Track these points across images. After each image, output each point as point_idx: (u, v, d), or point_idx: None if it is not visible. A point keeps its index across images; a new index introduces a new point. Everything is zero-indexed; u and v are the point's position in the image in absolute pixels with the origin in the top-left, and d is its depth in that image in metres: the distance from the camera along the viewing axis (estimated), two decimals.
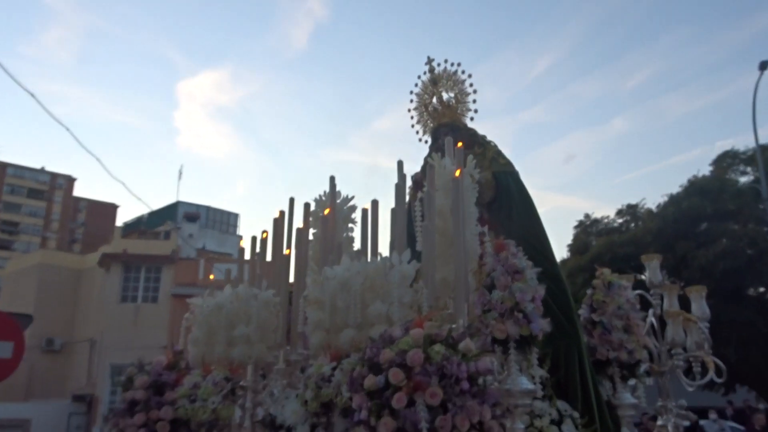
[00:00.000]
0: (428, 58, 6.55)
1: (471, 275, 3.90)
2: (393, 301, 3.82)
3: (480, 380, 3.07)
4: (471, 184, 4.45)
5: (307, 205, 5.31)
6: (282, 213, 5.45)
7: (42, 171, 79.08)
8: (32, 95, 8.57)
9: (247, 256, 5.68)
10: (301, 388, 3.88)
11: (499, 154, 6.13)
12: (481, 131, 6.38)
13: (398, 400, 2.95)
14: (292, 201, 5.41)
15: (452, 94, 6.44)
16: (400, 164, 4.62)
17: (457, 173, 4.17)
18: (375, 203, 4.73)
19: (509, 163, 6.10)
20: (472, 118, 6.33)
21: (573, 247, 25.58)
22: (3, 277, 39.89)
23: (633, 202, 26.11)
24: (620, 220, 25.90)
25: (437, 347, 3.09)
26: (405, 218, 4.44)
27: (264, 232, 5.69)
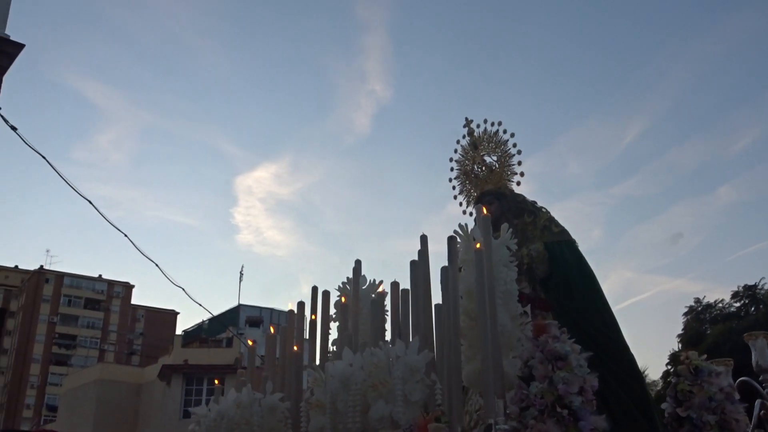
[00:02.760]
0: (466, 119, 6.32)
1: (509, 365, 3.56)
2: (398, 400, 3.50)
3: None
4: (507, 258, 4.10)
5: (326, 294, 5.03)
6: (301, 304, 5.18)
7: (99, 279, 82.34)
8: (89, 202, 9.23)
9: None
10: None
11: (552, 221, 5.83)
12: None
13: None
14: (314, 290, 5.09)
15: (495, 158, 6.18)
16: (423, 239, 4.33)
17: (478, 245, 3.85)
18: (395, 286, 4.51)
19: (564, 231, 5.76)
20: (518, 183, 6.09)
21: (685, 338, 24.68)
22: (61, 395, 41.27)
23: (750, 282, 25.34)
24: (737, 304, 25.06)
25: None
26: (424, 300, 4.16)
27: (272, 326, 5.55)
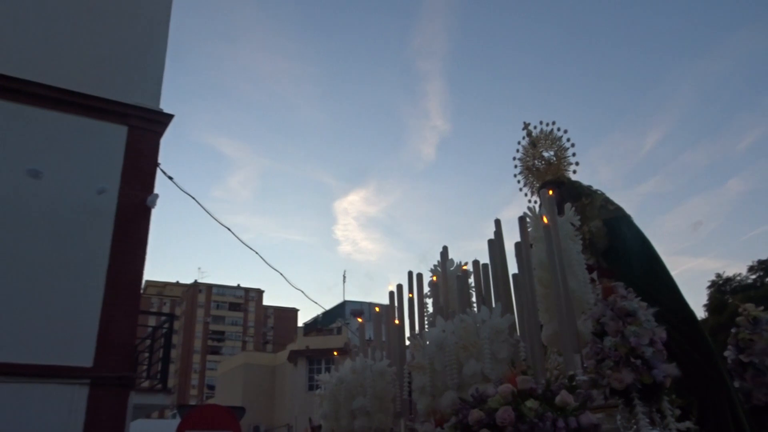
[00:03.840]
0: (524, 123, 6.14)
1: (582, 325, 3.28)
2: (486, 358, 3.34)
3: None
4: (572, 233, 3.87)
5: (419, 276, 4.95)
6: (399, 286, 5.13)
7: (237, 287, 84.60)
8: (228, 229, 9.40)
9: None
10: None
11: (608, 201, 5.52)
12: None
13: None
14: (410, 274, 5.07)
15: (552, 152, 5.95)
16: (497, 222, 4.16)
17: (545, 220, 3.67)
18: (476, 264, 4.38)
19: (619, 209, 5.46)
20: (574, 171, 5.83)
21: (710, 307, 23.46)
22: (217, 377, 42.42)
23: (763, 257, 24.10)
24: (754, 276, 23.78)
25: (530, 403, 2.58)
26: (501, 273, 3.99)
27: (377, 306, 5.52)
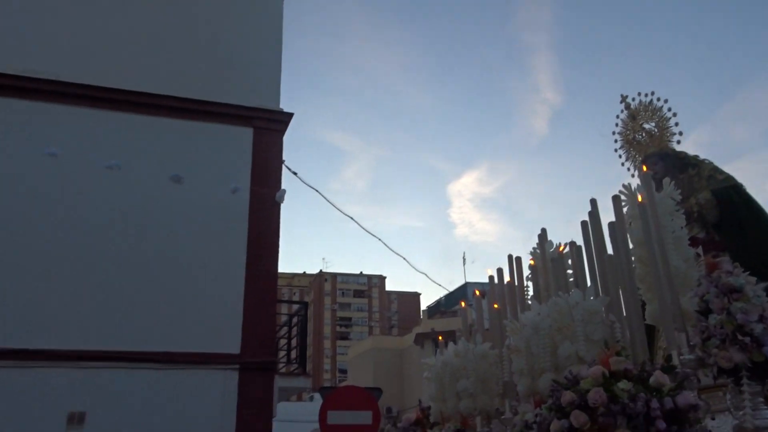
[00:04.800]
0: (621, 96, 5.88)
1: (687, 302, 3.13)
2: (580, 340, 3.29)
3: (691, 416, 2.42)
4: (672, 208, 3.72)
5: (518, 260, 4.85)
6: (499, 270, 5.05)
7: (360, 275, 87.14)
8: (351, 218, 10.00)
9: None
10: None
11: (716, 170, 5.25)
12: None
13: None
14: (510, 258, 4.93)
15: (653, 124, 5.70)
16: (593, 202, 4.00)
17: (640, 198, 3.54)
18: (572, 245, 4.24)
19: (729, 177, 5.17)
20: (678, 141, 5.54)
21: None
22: (347, 361, 44.09)
23: None
24: None
25: (622, 384, 2.53)
26: (598, 253, 3.84)
27: (476, 291, 5.45)
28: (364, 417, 7.37)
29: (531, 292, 4.66)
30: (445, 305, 43.87)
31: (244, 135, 8.78)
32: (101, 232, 7.57)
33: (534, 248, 4.83)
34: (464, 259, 70.85)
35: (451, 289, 41.63)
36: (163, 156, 8.10)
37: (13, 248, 7.16)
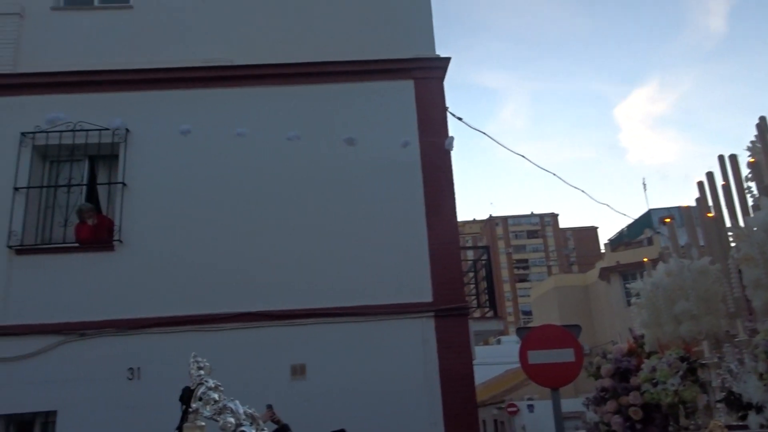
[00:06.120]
0: None
1: None
2: None
3: None
4: None
5: (733, 158, 4.22)
6: (709, 174, 4.43)
7: (531, 215, 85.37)
8: (522, 156, 9.47)
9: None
10: (751, 359, 3.07)
11: None
12: None
13: None
14: (721, 158, 4.31)
15: None
16: None
17: None
18: None
19: None
20: None
21: None
22: (531, 303, 43.80)
23: None
24: None
25: None
26: None
27: (666, 218, 4.89)
28: (567, 354, 7.25)
29: (755, 192, 4.07)
30: (628, 236, 41.42)
31: (406, 88, 8.83)
32: (292, 202, 8.15)
33: (752, 142, 4.26)
34: (644, 185, 66.00)
35: (634, 218, 39.10)
36: (334, 121, 8.42)
37: (221, 225, 7.99)
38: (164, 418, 5.16)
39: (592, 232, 79.75)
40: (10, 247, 7.76)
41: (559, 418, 7.20)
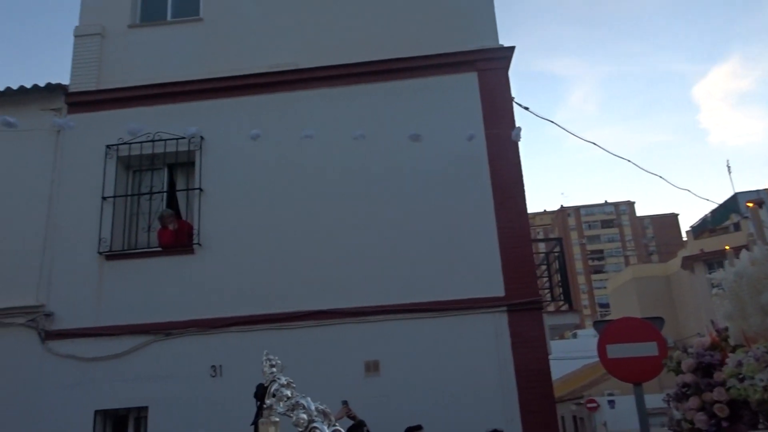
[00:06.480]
0: None
1: None
2: None
3: None
4: None
5: None
6: None
7: (605, 204, 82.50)
8: (594, 143, 9.15)
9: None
10: None
11: None
12: None
13: None
14: None
15: None
16: None
17: None
18: None
19: None
20: None
21: None
22: (608, 295, 42.36)
23: None
24: None
25: None
26: None
27: (749, 202, 4.58)
28: (648, 348, 6.96)
29: None
30: (712, 222, 39.29)
31: (470, 80, 8.72)
32: (361, 200, 8.23)
33: None
34: (728, 168, 62.05)
35: (718, 203, 37.05)
36: (399, 118, 8.44)
37: (292, 225, 8.18)
38: (244, 414, 5.35)
39: (672, 219, 76.26)
40: (100, 253, 8.25)
41: (644, 414, 6.92)
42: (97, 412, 7.68)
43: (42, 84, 8.99)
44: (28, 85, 8.97)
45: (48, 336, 7.99)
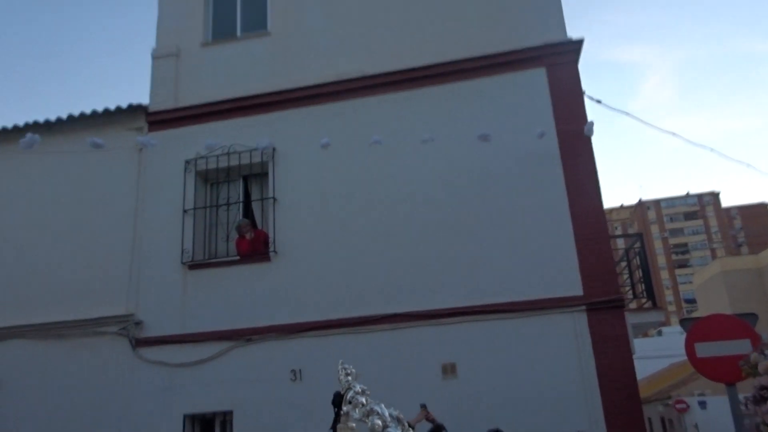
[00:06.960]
0: None
1: None
2: None
3: None
4: None
5: None
6: None
7: (687, 196, 78.59)
8: (673, 133, 8.67)
9: None
10: None
11: None
12: None
13: None
14: None
15: None
16: None
17: None
18: None
19: None
20: None
21: None
22: (694, 290, 40.26)
23: None
24: None
25: None
26: None
27: None
28: (742, 346, 6.52)
29: None
30: None
31: (538, 76, 8.52)
32: (433, 203, 8.18)
33: None
34: None
35: None
36: (467, 119, 8.35)
37: (365, 230, 8.24)
38: (325, 416, 5.43)
39: (762, 209, 71.67)
40: (183, 263, 8.61)
41: (738, 415, 6.50)
42: (186, 417, 8.01)
43: (124, 105, 9.50)
44: (112, 108, 9.51)
45: (138, 343, 8.41)
